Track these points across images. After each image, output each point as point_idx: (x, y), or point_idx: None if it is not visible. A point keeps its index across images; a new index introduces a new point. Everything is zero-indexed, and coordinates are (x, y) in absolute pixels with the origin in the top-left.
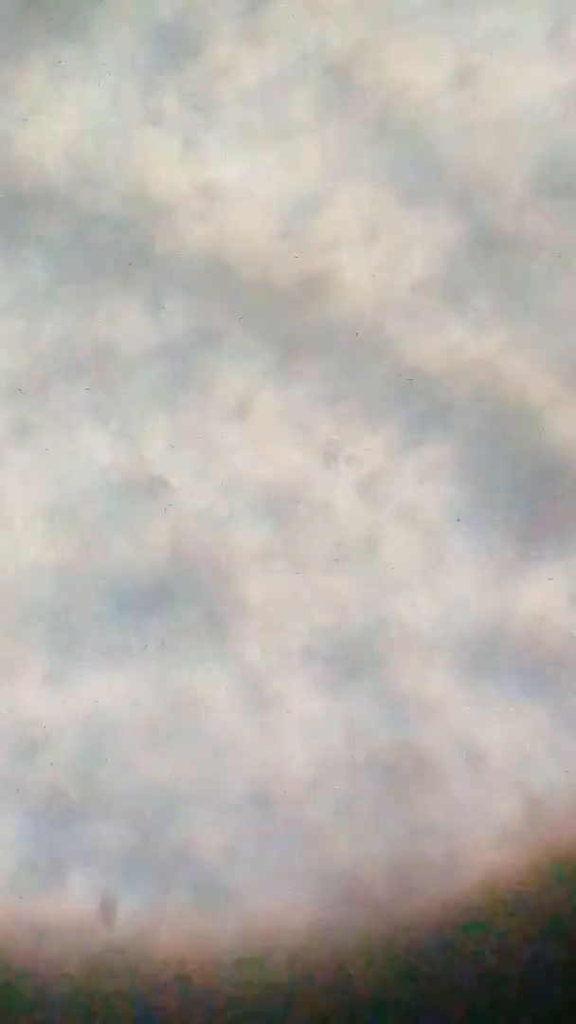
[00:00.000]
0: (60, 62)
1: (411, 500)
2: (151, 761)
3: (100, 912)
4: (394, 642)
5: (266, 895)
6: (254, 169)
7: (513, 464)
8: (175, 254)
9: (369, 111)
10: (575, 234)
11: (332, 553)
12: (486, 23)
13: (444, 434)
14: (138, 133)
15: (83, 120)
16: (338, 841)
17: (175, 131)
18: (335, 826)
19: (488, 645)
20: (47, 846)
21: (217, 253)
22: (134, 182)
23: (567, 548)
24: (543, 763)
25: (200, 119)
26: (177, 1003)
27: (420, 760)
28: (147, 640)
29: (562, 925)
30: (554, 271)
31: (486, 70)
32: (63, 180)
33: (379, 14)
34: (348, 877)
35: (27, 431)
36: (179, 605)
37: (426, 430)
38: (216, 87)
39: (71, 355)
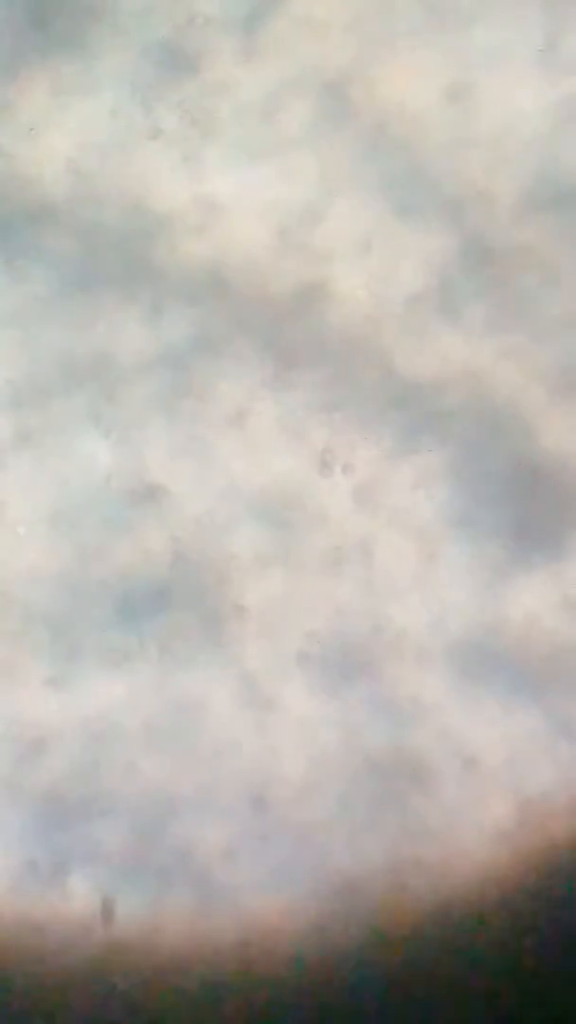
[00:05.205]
0: (60, 78)
1: (405, 506)
2: (151, 763)
3: (100, 912)
4: (389, 646)
5: (264, 895)
6: (251, 183)
7: (505, 470)
8: (174, 266)
9: (364, 126)
10: (566, 246)
11: (328, 558)
12: (478, 40)
13: (437, 442)
14: (137, 147)
15: (83, 135)
16: (334, 842)
17: (174, 145)
18: (331, 827)
19: (481, 648)
20: (48, 847)
21: (215, 265)
22: (133, 195)
23: (559, 553)
24: (536, 765)
25: (198, 134)
26: (176, 1001)
27: (415, 762)
28: (147, 644)
29: (556, 923)
30: (545, 283)
31: (478, 86)
32: (63, 194)
33: (374, 32)
34: (344, 877)
35: (28, 439)
36: (178, 609)
37: (419, 438)
38: (214, 103)
39: (72, 364)
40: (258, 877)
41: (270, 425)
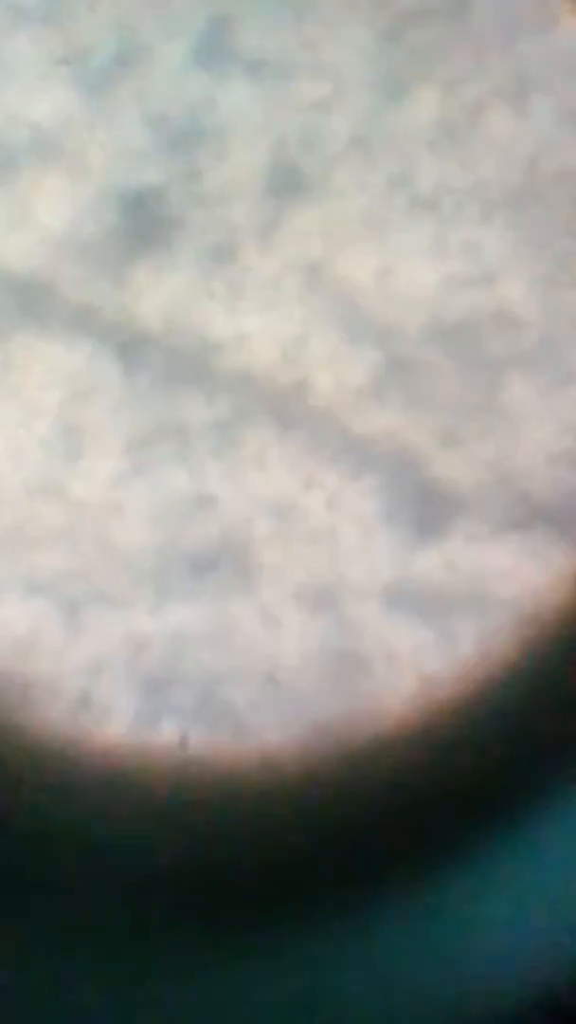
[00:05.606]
0: (154, 266)
1: (354, 509)
2: (209, 656)
3: (179, 742)
4: (346, 589)
5: (274, 733)
6: (267, 324)
7: (412, 489)
8: (222, 370)
9: (331, 292)
10: (452, 359)
11: (312, 539)
12: (397, 241)
13: (373, 472)
14: (201, 304)
15: (170, 298)
16: (316, 701)
17: (223, 303)
18: (314, 693)
19: (400, 590)
20: (149, 705)
21: (246, 370)
22: (198, 331)
23: (443, 536)
24: (432, 658)
25: (236, 296)
26: (217, 804)
27: (360, 657)
28: (207, 589)
29: (453, 744)
30: (440, 381)
31: (398, 268)
32: (158, 332)
33: (335, 238)
34: (321, 722)
35: (138, 471)
36: (223, 568)
37: (362, 471)
38: (245, 279)
39: (163, 430)
40: (271, 722)
41: (276, 462)
